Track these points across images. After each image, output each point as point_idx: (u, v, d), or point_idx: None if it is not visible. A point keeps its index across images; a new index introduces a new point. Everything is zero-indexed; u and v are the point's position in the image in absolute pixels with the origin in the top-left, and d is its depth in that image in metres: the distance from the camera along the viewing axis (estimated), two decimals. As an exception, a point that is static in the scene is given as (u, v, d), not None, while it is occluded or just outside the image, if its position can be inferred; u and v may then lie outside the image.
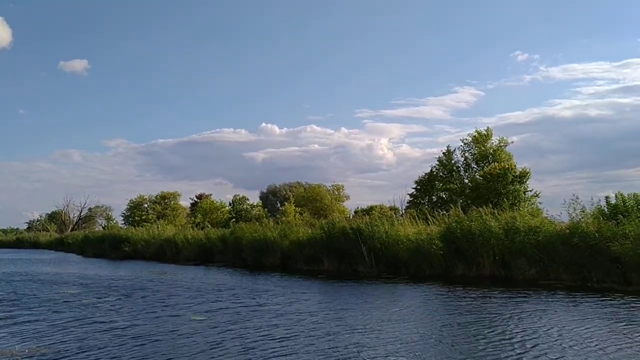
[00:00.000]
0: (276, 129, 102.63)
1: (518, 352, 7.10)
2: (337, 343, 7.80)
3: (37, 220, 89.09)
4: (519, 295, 12.54)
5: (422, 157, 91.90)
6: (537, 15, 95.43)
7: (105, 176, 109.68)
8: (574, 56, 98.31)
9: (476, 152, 37.95)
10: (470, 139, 38.40)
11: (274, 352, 7.26)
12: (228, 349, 7.48)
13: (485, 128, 38.57)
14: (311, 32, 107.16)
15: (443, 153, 39.11)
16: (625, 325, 8.77)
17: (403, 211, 39.15)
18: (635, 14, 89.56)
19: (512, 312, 10.24)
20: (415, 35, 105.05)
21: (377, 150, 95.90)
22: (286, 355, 7.11)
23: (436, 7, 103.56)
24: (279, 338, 8.16)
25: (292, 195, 56.01)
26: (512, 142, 38.76)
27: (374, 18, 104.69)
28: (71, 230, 66.94)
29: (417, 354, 7.11)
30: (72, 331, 8.84)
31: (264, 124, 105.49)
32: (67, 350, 7.46)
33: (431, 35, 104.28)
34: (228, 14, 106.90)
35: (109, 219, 73.69)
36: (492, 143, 38.23)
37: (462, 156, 38.71)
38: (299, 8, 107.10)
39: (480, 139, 38.04)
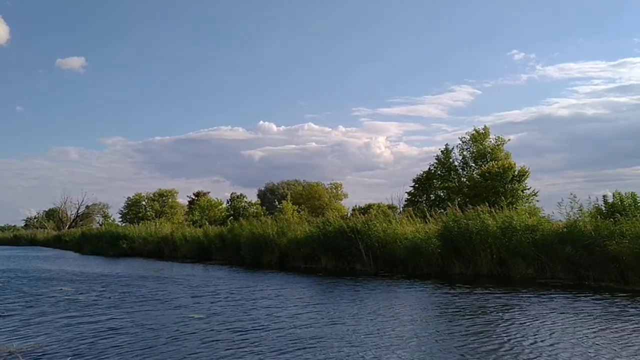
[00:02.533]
0: (274, 127, 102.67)
1: (510, 349, 7.13)
2: (299, 335, 8.08)
3: (35, 218, 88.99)
4: (515, 293, 12.56)
5: (420, 155, 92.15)
6: (533, 15, 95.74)
7: (103, 174, 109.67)
8: (570, 55, 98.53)
9: (474, 150, 37.99)
10: (469, 137, 38.43)
11: (243, 343, 7.61)
12: (200, 342, 7.72)
13: (483, 127, 38.65)
14: (308, 30, 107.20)
15: (441, 151, 39.14)
16: (621, 323, 8.79)
17: (401, 209, 39.20)
18: (631, 13, 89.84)
19: (507, 310, 10.26)
20: (412, 34, 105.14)
21: (375, 149, 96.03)
22: (245, 347, 7.38)
23: (433, 6, 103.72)
24: (241, 330, 8.55)
25: (289, 193, 55.99)
26: (509, 139, 38.88)
27: (370, 16, 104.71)
28: (68, 228, 66.75)
29: (392, 347, 7.15)
30: (68, 328, 8.88)
31: (261, 122, 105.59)
32: (63, 347, 7.49)
33: (428, 33, 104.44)
34: (225, 11, 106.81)
35: (106, 216, 73.63)
36: (490, 142, 38.27)
37: (460, 155, 38.76)
38: (295, 6, 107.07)
39: (478, 137, 38.07)
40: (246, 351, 7.20)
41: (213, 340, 7.84)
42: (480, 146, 37.81)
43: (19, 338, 8.11)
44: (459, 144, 38.86)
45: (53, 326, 9.06)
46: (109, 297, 12.89)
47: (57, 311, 10.71)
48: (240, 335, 8.22)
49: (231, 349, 7.33)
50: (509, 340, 7.69)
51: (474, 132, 38.29)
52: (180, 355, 7.02)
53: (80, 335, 8.31)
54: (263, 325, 8.98)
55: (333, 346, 7.45)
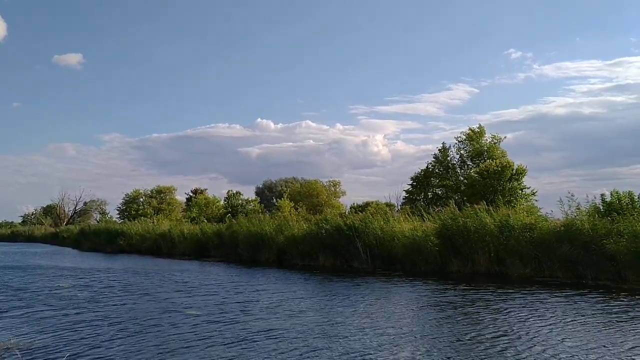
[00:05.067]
0: (271, 124, 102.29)
1: (503, 347, 7.15)
2: (270, 327, 8.05)
3: (32, 214, 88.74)
4: (512, 292, 12.58)
5: (417, 153, 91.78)
6: (530, 14, 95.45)
7: (100, 170, 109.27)
8: (567, 54, 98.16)
9: (471, 149, 38.04)
10: (465, 136, 38.51)
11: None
12: (190, 336, 7.76)
13: (478, 125, 38.74)
14: (306, 27, 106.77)
15: (439, 150, 39.19)
16: (617, 322, 8.82)
17: (399, 207, 39.25)
18: (627, 12, 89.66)
19: (502, 308, 10.27)
20: (409, 32, 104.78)
21: (372, 147, 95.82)
22: (210, 337, 7.37)
23: (430, 4, 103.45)
24: (210, 322, 8.89)
25: (287, 191, 55.94)
26: (505, 137, 38.95)
27: (368, 14, 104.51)
28: (66, 224, 66.67)
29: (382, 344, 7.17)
30: (66, 324, 8.89)
31: (259, 120, 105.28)
32: (61, 342, 7.50)
33: (425, 31, 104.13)
34: (223, 8, 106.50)
35: (103, 213, 73.52)
36: (486, 140, 38.34)
37: (457, 153, 38.82)
38: (294, 4, 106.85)
39: (474, 136, 38.13)
40: (208, 342, 7.51)
41: (184, 333, 8.16)
42: (476, 145, 37.87)
43: (17, 334, 8.11)
44: (456, 143, 38.96)
45: (50, 322, 9.07)
46: (104, 293, 12.97)
47: (55, 307, 10.71)
48: (207, 326, 8.60)
49: (188, 340, 7.64)
50: (502, 338, 7.70)
51: (470, 131, 38.36)
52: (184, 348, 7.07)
53: (78, 331, 8.31)
54: (235, 318, 9.35)
55: (301, 337, 7.75)
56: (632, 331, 8.13)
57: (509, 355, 6.78)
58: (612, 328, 8.36)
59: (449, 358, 6.72)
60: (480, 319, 9.26)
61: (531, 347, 7.18)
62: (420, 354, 6.89)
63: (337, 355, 6.81)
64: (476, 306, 10.54)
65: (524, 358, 6.69)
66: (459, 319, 9.33)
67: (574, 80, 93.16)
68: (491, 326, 8.57)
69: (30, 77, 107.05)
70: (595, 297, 11.54)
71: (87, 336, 7.94)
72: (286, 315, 9.63)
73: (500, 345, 7.26)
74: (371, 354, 6.85)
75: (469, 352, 6.98)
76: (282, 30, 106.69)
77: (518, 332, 8.12)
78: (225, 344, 7.39)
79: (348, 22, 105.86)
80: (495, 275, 16.14)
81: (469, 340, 7.64)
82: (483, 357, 6.74)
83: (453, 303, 11.01)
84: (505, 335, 7.87)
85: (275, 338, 7.74)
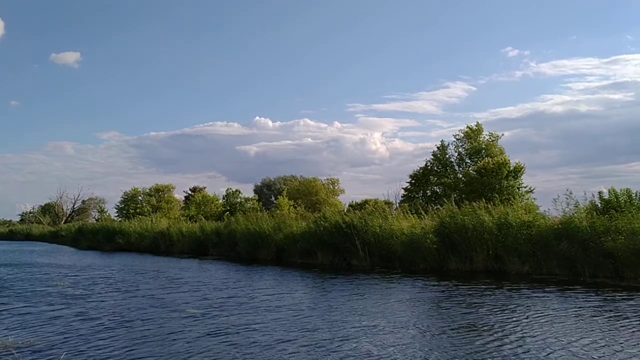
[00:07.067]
0: (269, 122, 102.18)
1: (500, 344, 7.16)
2: (252, 321, 8.01)
3: (30, 213, 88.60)
4: (510, 289, 12.60)
5: (415, 151, 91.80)
6: (527, 12, 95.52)
7: (99, 168, 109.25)
8: (564, 52, 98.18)
9: (469, 147, 38.07)
10: (463, 134, 38.54)
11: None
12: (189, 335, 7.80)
13: (475, 123, 38.78)
14: (304, 25, 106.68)
15: (437, 147, 39.20)
16: (614, 320, 8.82)
17: (397, 205, 39.24)
18: (624, 11, 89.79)
19: (499, 305, 10.28)
20: (407, 30, 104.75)
21: (370, 145, 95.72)
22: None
23: (428, 2, 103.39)
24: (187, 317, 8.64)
25: (286, 189, 55.92)
26: (502, 135, 38.98)
27: (366, 12, 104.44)
28: (64, 223, 66.59)
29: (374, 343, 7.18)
30: (63, 323, 8.90)
31: (257, 118, 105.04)
32: (58, 341, 7.50)
33: (423, 30, 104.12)
34: (221, 7, 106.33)
35: (102, 211, 73.46)
36: (484, 137, 38.37)
37: (455, 151, 38.85)
38: (291, 1, 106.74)
39: (472, 134, 38.15)
40: (184, 336, 7.77)
41: (167, 328, 8.39)
42: (474, 142, 37.90)
43: (14, 333, 8.10)
44: (454, 140, 38.99)
45: (48, 321, 9.05)
46: (98, 291, 13.01)
47: (52, 306, 10.69)
48: (188, 321, 8.93)
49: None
50: (500, 334, 7.72)
51: (467, 129, 38.39)
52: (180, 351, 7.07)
53: (75, 330, 8.31)
54: (218, 314, 9.60)
55: (272, 330, 8.02)
56: (626, 328, 8.15)
57: (504, 351, 6.79)
58: (607, 325, 8.37)
59: (406, 352, 6.81)
60: (477, 316, 9.27)
61: (527, 343, 7.19)
62: (377, 348, 6.99)
63: (299, 346, 7.04)
64: (474, 304, 10.53)
65: (486, 351, 6.80)
66: (433, 314, 9.53)
67: (571, 78, 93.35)
68: (488, 323, 8.59)
69: (28, 75, 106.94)
70: (593, 295, 11.54)
71: (84, 335, 7.93)
72: (266, 311, 9.82)
73: (496, 342, 7.28)
74: (335, 346, 7.05)
75: (431, 343, 7.21)
76: (281, 29, 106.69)
77: (514, 329, 8.14)
78: (198, 338, 7.60)
79: (346, 20, 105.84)
80: (494, 272, 16.16)
81: (436, 334, 7.84)
82: (447, 348, 6.91)
83: (436, 299, 11.16)
84: (500, 332, 7.90)
85: (249, 331, 8.00)
